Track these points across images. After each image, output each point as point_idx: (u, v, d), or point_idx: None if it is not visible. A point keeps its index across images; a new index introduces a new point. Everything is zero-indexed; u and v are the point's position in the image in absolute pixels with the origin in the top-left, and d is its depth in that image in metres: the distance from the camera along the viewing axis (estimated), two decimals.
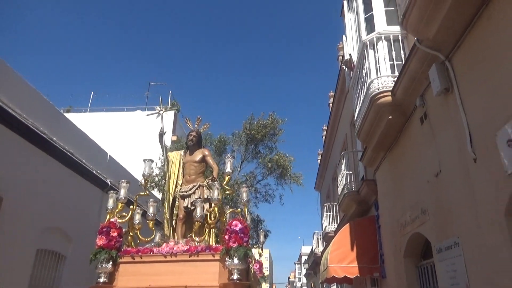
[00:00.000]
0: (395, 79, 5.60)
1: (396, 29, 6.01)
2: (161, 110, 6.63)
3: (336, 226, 13.85)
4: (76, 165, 8.99)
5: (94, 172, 9.68)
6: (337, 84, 13.28)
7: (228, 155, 6.44)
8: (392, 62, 5.89)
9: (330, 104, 16.22)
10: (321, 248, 19.21)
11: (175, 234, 5.83)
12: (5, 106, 6.61)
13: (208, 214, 5.52)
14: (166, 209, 5.97)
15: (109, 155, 11.08)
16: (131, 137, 18.88)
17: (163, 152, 6.43)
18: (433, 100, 4.76)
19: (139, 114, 21.69)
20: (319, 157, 21.43)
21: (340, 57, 12.79)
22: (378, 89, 5.79)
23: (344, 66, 8.65)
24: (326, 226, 15.03)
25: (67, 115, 18.46)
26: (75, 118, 17.47)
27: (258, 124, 14.38)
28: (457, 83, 4.18)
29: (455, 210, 4.43)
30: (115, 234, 5.15)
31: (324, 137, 18.83)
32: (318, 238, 21.03)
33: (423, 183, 5.31)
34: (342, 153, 10.76)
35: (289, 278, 77.00)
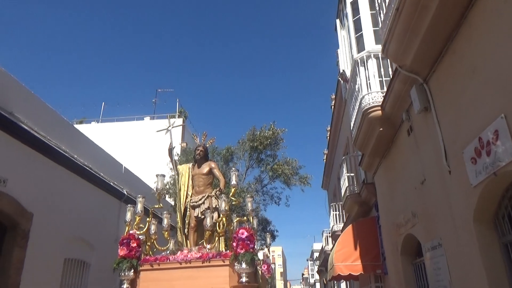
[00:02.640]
0: (384, 94, 6.15)
1: None
2: (170, 127, 7.18)
3: (342, 225, 14.39)
4: (95, 178, 9.68)
5: (111, 183, 10.38)
6: (337, 89, 13.80)
7: (233, 168, 7.01)
8: (381, 79, 6.44)
9: (332, 106, 16.70)
10: (330, 246, 19.74)
11: (188, 241, 6.38)
12: (30, 130, 7.30)
13: (217, 223, 6.02)
14: (179, 219, 6.52)
15: (124, 166, 11.77)
16: (141, 145, 19.60)
17: (173, 166, 7.02)
18: (416, 116, 5.30)
19: (148, 122, 22.48)
20: (325, 157, 21.93)
21: (338, 62, 13.27)
22: (369, 104, 6.34)
23: (340, 79, 9.20)
24: (333, 225, 15.58)
25: (80, 126, 19.31)
26: (88, 129, 18.28)
27: (260, 136, 14.99)
28: (434, 103, 4.73)
29: (437, 214, 4.98)
30: (135, 244, 5.73)
31: (328, 137, 19.34)
32: (327, 236, 21.57)
33: (412, 189, 5.86)
34: (344, 157, 11.30)
35: (302, 274, 77.51)
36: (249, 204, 6.42)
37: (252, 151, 15.22)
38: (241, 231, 5.47)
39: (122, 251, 5.62)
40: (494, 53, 3.42)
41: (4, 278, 6.52)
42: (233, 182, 6.33)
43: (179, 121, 19.52)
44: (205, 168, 6.60)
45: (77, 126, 15.96)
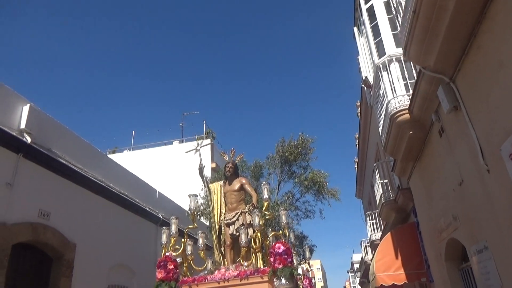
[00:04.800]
0: (410, 97, 6.04)
1: None
2: (198, 146, 7.26)
3: (380, 233, 13.99)
4: (131, 204, 9.97)
5: (147, 209, 10.63)
6: (361, 96, 13.65)
7: (264, 182, 6.90)
8: (405, 81, 6.34)
9: (358, 113, 16.50)
10: (370, 256, 19.18)
11: (225, 260, 6.34)
12: (68, 163, 7.66)
13: (253, 239, 5.97)
14: (214, 238, 6.51)
15: (158, 191, 12.05)
16: (172, 169, 20.02)
17: (204, 184, 7.01)
18: (446, 116, 5.16)
19: (177, 145, 22.99)
20: (356, 165, 21.55)
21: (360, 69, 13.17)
22: (396, 108, 6.23)
23: (363, 85, 9.12)
24: (371, 235, 15.17)
25: (114, 156, 19.99)
26: (121, 157, 18.90)
27: (289, 145, 14.89)
28: (463, 101, 4.59)
29: (479, 216, 4.77)
30: (172, 266, 5.68)
31: (357, 145, 19.04)
32: (365, 246, 20.99)
33: (450, 191, 5.66)
34: (375, 164, 11.07)
35: (344, 287, 75.27)
36: (283, 218, 6.33)
37: (283, 164, 15.11)
38: (277, 245, 5.38)
39: (160, 274, 5.61)
40: None
41: None
42: (265, 196, 6.31)
43: (207, 141, 19.84)
44: (236, 185, 6.58)
45: (111, 156, 16.54)
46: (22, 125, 6.52)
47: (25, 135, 6.51)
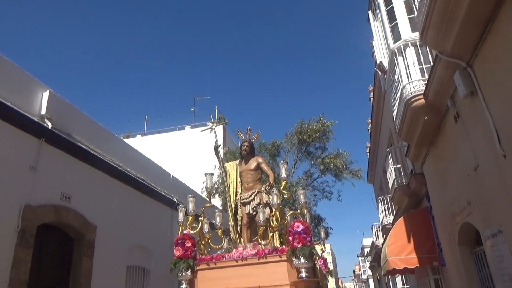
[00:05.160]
0: (426, 82, 6.02)
1: None
2: (213, 125, 7.11)
3: (392, 218, 14.06)
4: (148, 189, 10.20)
5: (163, 193, 10.87)
6: (374, 80, 13.53)
7: (282, 161, 6.68)
8: (421, 66, 6.30)
9: (371, 98, 16.38)
10: (381, 240, 19.31)
11: (241, 239, 6.22)
12: (88, 148, 7.87)
13: (270, 218, 5.81)
14: (231, 217, 6.41)
15: (172, 176, 12.27)
16: (184, 154, 20.24)
17: (220, 163, 6.85)
18: (462, 102, 5.16)
19: (189, 131, 23.20)
20: (368, 150, 21.50)
21: (374, 54, 13.03)
22: (411, 93, 6.22)
23: (377, 70, 9.06)
24: (383, 219, 15.26)
25: (127, 140, 20.28)
26: (134, 142, 19.17)
27: (308, 128, 14.69)
28: (480, 87, 4.59)
29: (494, 200, 4.82)
30: (190, 244, 5.64)
31: (369, 130, 18.95)
32: (377, 230, 21.11)
33: (465, 176, 5.69)
34: (388, 149, 11.07)
35: (354, 271, 75.93)
36: (302, 197, 6.14)
37: (300, 144, 14.91)
38: (296, 224, 5.25)
39: (178, 252, 5.55)
40: None
41: (76, 286, 7.07)
42: (283, 175, 6.16)
43: (220, 127, 19.97)
44: (252, 164, 6.41)
45: (125, 141, 16.82)
46: (43, 111, 6.70)
47: (46, 120, 6.69)
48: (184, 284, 5.46)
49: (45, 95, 6.87)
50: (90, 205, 7.68)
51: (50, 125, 6.70)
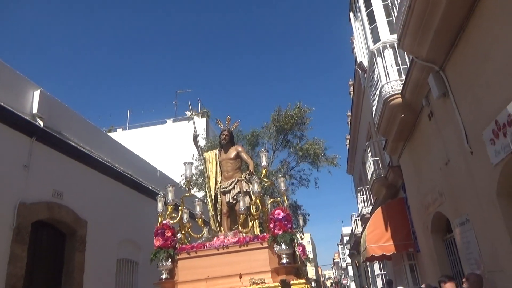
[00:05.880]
0: (403, 82, 6.47)
1: None
2: (192, 114, 6.86)
3: (371, 208, 14.71)
4: (135, 183, 10.37)
5: (150, 187, 11.05)
6: (354, 76, 14.01)
7: (263, 149, 6.68)
8: (398, 67, 6.74)
9: (351, 92, 16.91)
10: (360, 229, 20.08)
11: (222, 228, 6.21)
12: (77, 146, 7.98)
13: (251, 206, 5.83)
14: (210, 206, 6.33)
15: (158, 170, 12.45)
16: (167, 147, 20.33)
17: (199, 153, 6.77)
18: (435, 102, 5.62)
19: (171, 124, 23.26)
20: (347, 142, 22.16)
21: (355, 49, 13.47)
22: (389, 93, 6.66)
23: (357, 68, 9.49)
24: (361, 209, 15.93)
25: (110, 134, 20.20)
26: (116, 136, 19.13)
27: (286, 115, 14.67)
28: (451, 89, 5.05)
29: (463, 192, 5.33)
30: (169, 234, 5.58)
31: (349, 123, 19.55)
32: (356, 219, 21.90)
33: (437, 170, 6.20)
34: (367, 143, 11.60)
35: (333, 259, 77.82)
36: (282, 184, 6.12)
37: (278, 133, 14.94)
38: (277, 211, 5.30)
39: (157, 242, 5.48)
40: (504, 40, 3.73)
41: (70, 280, 7.28)
42: (264, 163, 6.16)
43: (203, 120, 20.11)
44: (232, 153, 6.39)
45: (106, 133, 16.77)
46: (34, 110, 6.79)
47: (38, 119, 6.79)
48: (164, 273, 5.37)
49: (36, 94, 6.95)
50: (81, 201, 7.84)
51: (41, 124, 6.80)
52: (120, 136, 20.92)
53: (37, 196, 6.67)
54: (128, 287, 9.52)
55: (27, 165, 6.50)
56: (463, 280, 4.97)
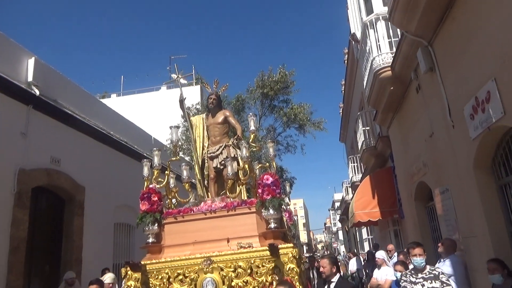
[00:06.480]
0: (393, 55, 6.58)
1: None
2: (178, 77, 6.47)
3: (361, 175, 15.14)
4: (130, 150, 10.60)
5: (145, 154, 11.27)
6: (349, 46, 13.96)
7: (251, 114, 6.45)
8: (390, 40, 6.82)
9: (345, 61, 16.87)
10: (350, 196, 20.69)
11: (209, 193, 6.07)
12: (73, 113, 8.11)
13: (239, 171, 5.70)
14: (197, 171, 6.17)
15: (153, 137, 12.64)
16: (161, 114, 20.37)
17: (185, 117, 6.57)
18: (423, 76, 5.78)
19: (164, 91, 23.15)
20: (341, 110, 22.34)
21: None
22: (380, 65, 6.78)
23: (351, 39, 9.51)
24: (352, 177, 16.37)
25: (104, 100, 20.15)
26: (110, 102, 19.12)
27: (269, 80, 14.52)
28: (438, 64, 5.20)
29: (444, 163, 5.61)
30: (156, 198, 5.43)
31: (342, 92, 19.63)
32: (347, 186, 22.51)
33: (422, 141, 6.45)
34: (359, 112, 11.80)
35: (325, 224, 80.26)
36: (271, 150, 6.05)
37: (263, 98, 14.78)
38: (265, 176, 5.23)
39: (144, 206, 5.35)
40: (488, 19, 3.86)
41: (70, 243, 7.64)
42: (252, 128, 5.97)
43: (197, 88, 20.04)
44: (219, 117, 6.16)
45: (101, 101, 16.78)
46: (29, 78, 6.84)
47: (33, 87, 6.86)
48: (151, 238, 5.35)
49: (31, 62, 6.98)
50: (78, 168, 8.08)
51: (37, 92, 6.88)
52: (114, 102, 20.89)
53: (36, 163, 6.88)
54: (125, 249, 9.98)
55: (25, 132, 6.65)
56: (439, 244, 5.38)
